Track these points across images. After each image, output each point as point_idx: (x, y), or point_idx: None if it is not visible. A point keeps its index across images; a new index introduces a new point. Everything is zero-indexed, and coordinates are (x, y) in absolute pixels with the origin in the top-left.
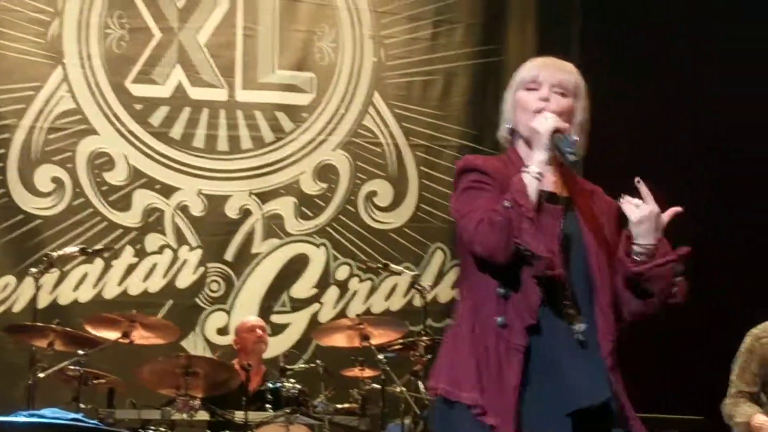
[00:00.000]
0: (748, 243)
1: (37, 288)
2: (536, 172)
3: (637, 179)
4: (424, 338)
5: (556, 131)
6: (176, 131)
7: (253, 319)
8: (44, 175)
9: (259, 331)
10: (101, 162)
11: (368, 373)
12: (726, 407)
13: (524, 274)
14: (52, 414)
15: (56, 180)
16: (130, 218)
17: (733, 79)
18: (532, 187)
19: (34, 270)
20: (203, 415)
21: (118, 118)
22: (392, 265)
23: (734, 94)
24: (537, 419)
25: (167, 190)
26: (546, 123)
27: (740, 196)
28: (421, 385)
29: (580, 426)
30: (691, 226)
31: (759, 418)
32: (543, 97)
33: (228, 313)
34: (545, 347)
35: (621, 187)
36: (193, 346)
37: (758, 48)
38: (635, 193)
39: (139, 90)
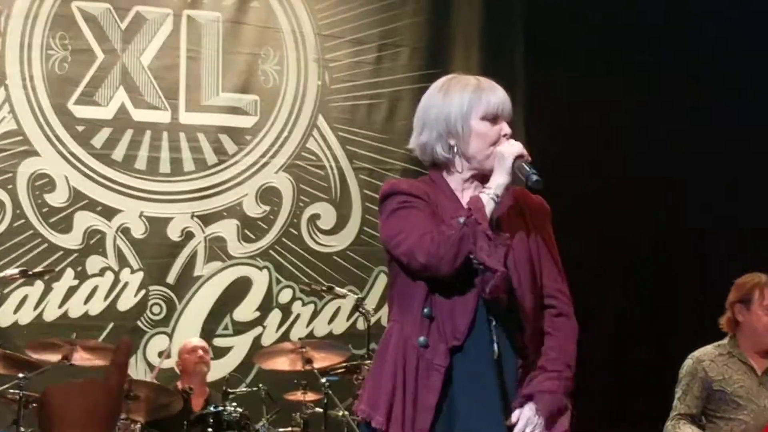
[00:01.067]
0: (689, 268)
1: None
2: (496, 195)
3: None
4: (368, 362)
5: (519, 156)
6: (118, 153)
7: (195, 340)
8: None
9: (200, 352)
10: (42, 183)
11: (311, 396)
12: (667, 429)
13: (455, 294)
14: None
15: None
16: (71, 240)
17: (663, 103)
18: (489, 207)
19: None
20: None
21: (59, 140)
22: (336, 288)
23: (665, 117)
24: None
25: (109, 212)
26: (511, 148)
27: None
28: None
29: None
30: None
31: None
32: (506, 134)
33: (170, 336)
34: (468, 366)
35: (560, 201)
36: (135, 369)
37: (688, 77)
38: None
39: (81, 112)
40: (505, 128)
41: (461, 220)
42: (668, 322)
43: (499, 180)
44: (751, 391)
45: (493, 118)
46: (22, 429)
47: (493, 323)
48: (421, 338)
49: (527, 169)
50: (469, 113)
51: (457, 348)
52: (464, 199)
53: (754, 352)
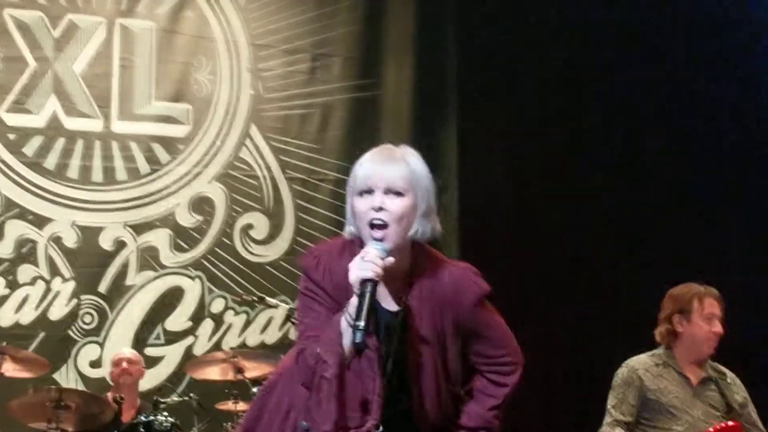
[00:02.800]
0: (618, 276)
1: None
2: (351, 318)
3: None
4: None
5: (367, 281)
6: (50, 161)
7: (125, 350)
8: None
9: (124, 364)
10: None
11: (242, 406)
12: None
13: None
14: None
15: None
16: (2, 249)
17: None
18: (347, 335)
19: None
20: None
21: None
22: (268, 299)
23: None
24: None
25: (40, 221)
26: (358, 272)
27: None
28: None
29: None
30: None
31: None
32: (375, 207)
33: (101, 345)
34: None
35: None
36: (66, 378)
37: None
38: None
39: (12, 119)
40: (376, 200)
41: (318, 351)
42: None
43: (352, 302)
44: (686, 402)
45: (366, 189)
46: None
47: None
48: (304, 422)
49: (355, 335)
50: (350, 190)
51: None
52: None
53: (691, 362)
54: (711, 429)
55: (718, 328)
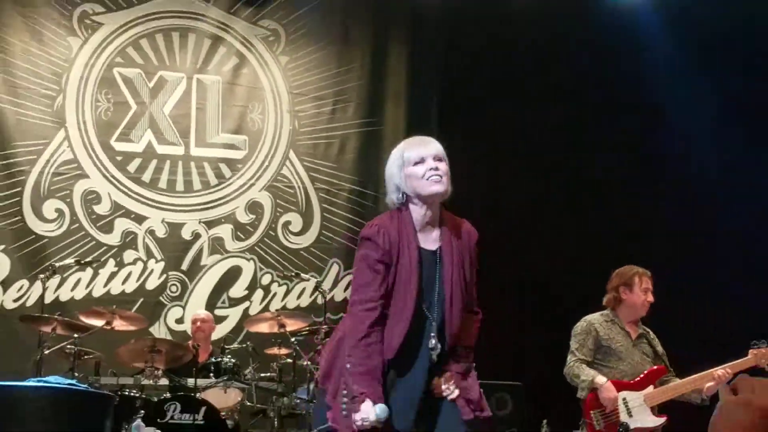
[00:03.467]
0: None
1: (44, 289)
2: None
3: None
4: (324, 327)
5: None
6: (146, 176)
7: (200, 312)
8: (50, 207)
9: (198, 323)
10: (91, 198)
11: (284, 351)
12: (572, 369)
13: (390, 325)
14: (54, 380)
15: (58, 210)
16: (112, 239)
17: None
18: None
19: (41, 276)
20: (165, 381)
21: (104, 166)
22: (302, 274)
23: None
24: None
25: (139, 219)
26: (358, 414)
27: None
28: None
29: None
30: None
31: (600, 379)
32: (432, 167)
33: (183, 308)
34: (402, 366)
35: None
36: (158, 331)
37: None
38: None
39: (120, 146)
40: (429, 163)
41: (354, 393)
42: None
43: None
44: (628, 349)
45: (420, 161)
46: (76, 374)
47: (431, 333)
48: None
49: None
50: (400, 167)
51: (392, 359)
52: (421, 227)
53: (630, 321)
54: (646, 371)
55: (651, 298)
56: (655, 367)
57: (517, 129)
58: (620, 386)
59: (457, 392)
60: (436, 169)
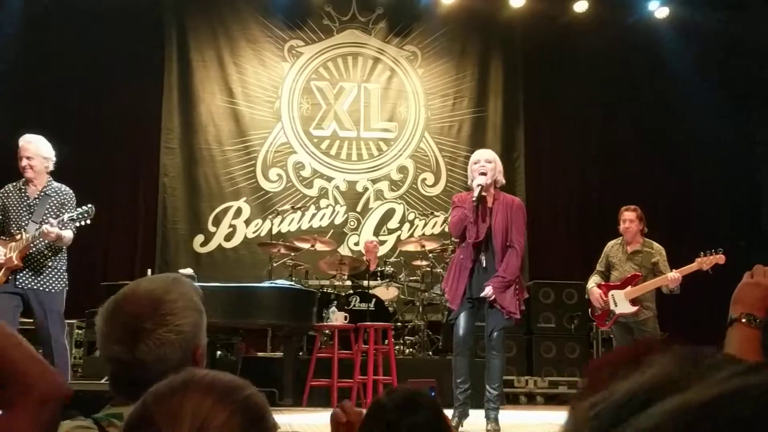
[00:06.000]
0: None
1: (271, 224)
2: (474, 198)
3: None
4: (450, 246)
5: (479, 184)
6: (333, 151)
7: (370, 238)
8: (273, 173)
9: (369, 245)
10: (298, 166)
11: (424, 262)
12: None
13: (469, 241)
14: (280, 283)
15: (278, 175)
16: (312, 192)
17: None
18: (476, 196)
19: (269, 216)
20: (348, 282)
21: (306, 146)
22: (434, 212)
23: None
24: (474, 295)
25: (329, 179)
26: (477, 180)
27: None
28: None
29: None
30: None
31: (589, 284)
32: (482, 165)
33: (358, 235)
34: (477, 269)
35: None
36: (343, 250)
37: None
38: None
39: (316, 132)
40: (482, 166)
41: (465, 213)
42: None
43: (474, 192)
44: (621, 261)
45: (477, 163)
46: (293, 278)
47: (482, 255)
48: (462, 256)
49: (478, 188)
50: (470, 165)
51: (472, 262)
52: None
53: (627, 243)
54: (628, 276)
55: (626, 226)
56: (632, 274)
57: (585, 115)
58: (609, 287)
59: (492, 296)
60: (483, 166)
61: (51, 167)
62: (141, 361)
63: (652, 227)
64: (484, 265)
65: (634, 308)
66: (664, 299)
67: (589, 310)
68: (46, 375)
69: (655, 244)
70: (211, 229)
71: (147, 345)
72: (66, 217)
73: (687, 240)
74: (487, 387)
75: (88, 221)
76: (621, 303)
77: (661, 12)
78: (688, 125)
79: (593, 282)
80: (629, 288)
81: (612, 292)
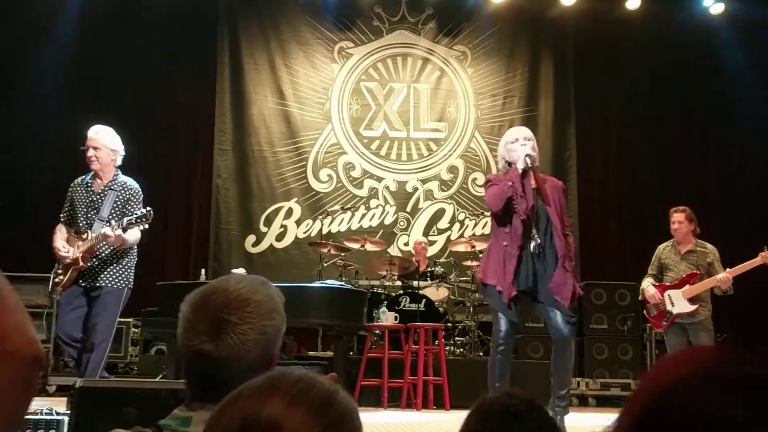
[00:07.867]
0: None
1: (321, 225)
2: (521, 169)
3: None
4: None
5: (527, 155)
6: (383, 151)
7: (419, 238)
8: (323, 173)
9: (418, 247)
10: (349, 166)
11: (474, 263)
12: (642, 282)
13: (515, 223)
14: (330, 283)
15: (329, 175)
16: (363, 192)
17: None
18: (520, 171)
19: (320, 216)
20: (399, 283)
21: (356, 146)
22: (484, 213)
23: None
24: (521, 287)
25: (379, 179)
26: (522, 150)
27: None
28: None
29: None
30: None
31: (644, 284)
32: (522, 143)
33: (408, 236)
34: (525, 256)
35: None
36: (393, 251)
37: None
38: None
39: (366, 133)
40: (521, 142)
41: (509, 184)
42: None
43: (518, 165)
44: (676, 262)
45: (515, 140)
46: (344, 279)
47: (536, 234)
48: (505, 242)
49: (528, 161)
50: (504, 144)
51: (521, 247)
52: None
53: (680, 243)
54: (684, 275)
55: (675, 227)
56: (690, 273)
57: (636, 113)
58: (665, 287)
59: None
60: (524, 145)
61: (119, 161)
62: (221, 355)
63: (704, 228)
64: (536, 252)
65: (693, 307)
66: (719, 299)
67: (644, 311)
68: (21, 329)
69: (708, 245)
70: (263, 229)
71: (231, 338)
72: (125, 220)
73: (738, 240)
74: (556, 389)
75: (146, 225)
76: (678, 302)
77: (716, 8)
78: (740, 123)
79: (648, 282)
80: (687, 287)
81: (668, 292)
